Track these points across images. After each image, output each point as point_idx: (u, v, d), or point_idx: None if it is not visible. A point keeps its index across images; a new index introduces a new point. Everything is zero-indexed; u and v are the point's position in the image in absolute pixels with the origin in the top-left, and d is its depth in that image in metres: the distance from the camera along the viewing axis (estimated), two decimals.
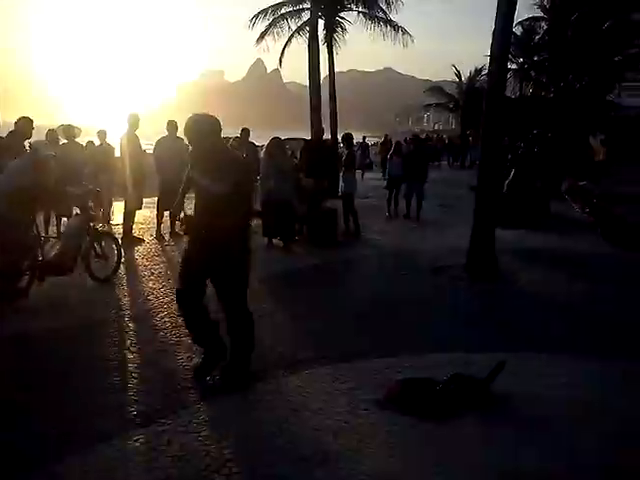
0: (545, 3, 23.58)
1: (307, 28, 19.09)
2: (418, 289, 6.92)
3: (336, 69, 19.90)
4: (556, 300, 6.54)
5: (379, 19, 20.39)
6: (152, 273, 7.38)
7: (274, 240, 9.17)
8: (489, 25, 7.57)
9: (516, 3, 7.54)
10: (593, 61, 19.13)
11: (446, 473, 3.11)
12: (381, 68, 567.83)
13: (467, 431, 3.56)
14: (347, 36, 20.43)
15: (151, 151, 10.11)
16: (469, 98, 32.04)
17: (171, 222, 9.46)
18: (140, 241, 9.18)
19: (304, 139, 18.17)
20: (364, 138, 28.54)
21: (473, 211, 7.76)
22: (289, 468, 3.13)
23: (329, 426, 3.58)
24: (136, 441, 3.41)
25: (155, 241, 9.29)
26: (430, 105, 38.53)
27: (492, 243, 7.68)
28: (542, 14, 24.46)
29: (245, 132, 11.90)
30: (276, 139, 9.59)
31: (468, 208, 8.01)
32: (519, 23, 26.66)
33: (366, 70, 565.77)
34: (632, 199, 15.79)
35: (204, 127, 3.99)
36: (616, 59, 20.97)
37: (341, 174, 10.72)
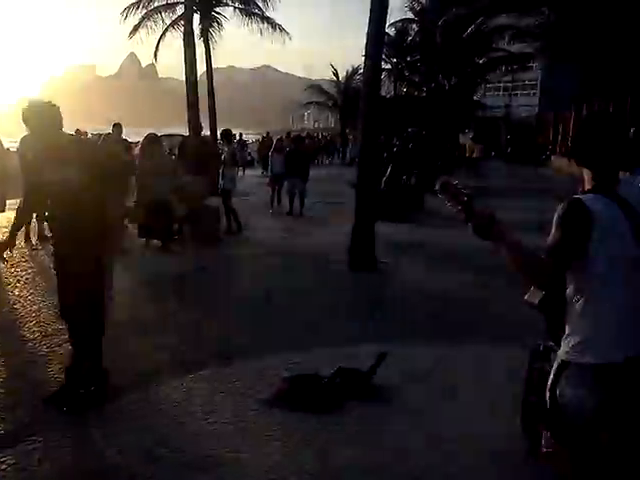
0: (415, 6, 24.69)
1: (182, 22, 18.63)
2: (302, 285, 6.95)
3: (214, 65, 19.62)
4: (432, 289, 6.84)
5: (255, 15, 20.33)
6: (19, 280, 6.85)
7: (154, 241, 8.84)
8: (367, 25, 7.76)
9: (387, 7, 7.78)
10: (459, 63, 20.26)
11: (327, 466, 3.12)
12: (259, 65, 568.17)
13: (349, 422, 3.60)
14: (224, 32, 20.22)
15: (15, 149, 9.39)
16: (347, 97, 32.81)
17: (37, 226, 8.83)
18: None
19: (182, 135, 17.72)
20: (241, 135, 28.35)
21: (354, 207, 7.94)
22: (170, 477, 3.00)
23: (214, 430, 3.49)
24: (2, 463, 3.12)
25: (22, 245, 8.63)
26: (310, 103, 38.98)
27: (372, 237, 7.89)
28: (413, 16, 25.59)
29: (117, 128, 11.31)
30: (152, 135, 9.23)
31: (349, 204, 8.16)
32: (392, 24, 27.73)
33: (244, 67, 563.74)
34: (498, 193, 16.93)
35: (44, 115, 3.57)
36: (480, 61, 22.34)
37: (221, 171, 10.53)
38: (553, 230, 2.17)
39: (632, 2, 20.07)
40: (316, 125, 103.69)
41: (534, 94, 61.88)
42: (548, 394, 2.36)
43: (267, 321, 5.60)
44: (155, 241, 8.86)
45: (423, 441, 3.40)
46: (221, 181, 10.44)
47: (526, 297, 2.66)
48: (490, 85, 50.33)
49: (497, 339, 5.16)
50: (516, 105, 51.51)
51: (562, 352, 2.27)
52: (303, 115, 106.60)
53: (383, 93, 27.98)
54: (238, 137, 26.54)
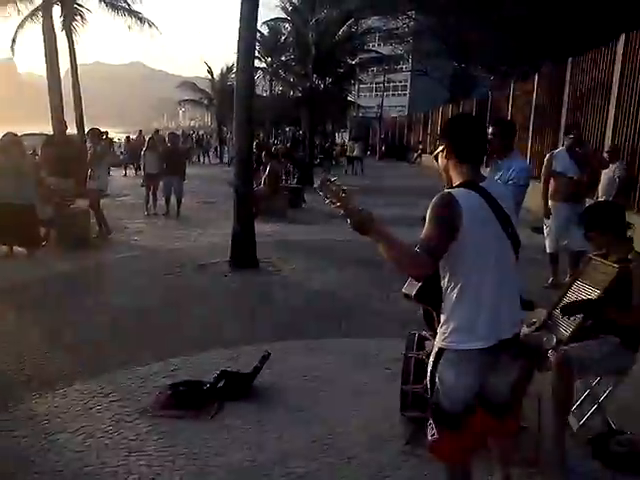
0: (287, 5, 24.84)
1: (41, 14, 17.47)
2: (182, 289, 6.77)
3: (80, 60, 18.58)
4: (314, 286, 6.93)
5: (122, 9, 19.52)
6: None
7: (18, 248, 8.22)
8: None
9: (258, 5, 7.74)
10: (332, 63, 20.67)
11: (209, 472, 3.06)
12: (129, 62, 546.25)
13: (233, 425, 3.55)
14: (89, 26, 19.23)
15: None
16: (223, 95, 32.41)
17: None
18: None
19: (45, 134, 16.60)
20: (106, 133, 27.06)
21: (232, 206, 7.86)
22: None
23: (90, 445, 3.29)
24: None
25: None
26: (185, 101, 38.09)
27: (252, 236, 7.85)
28: (286, 16, 25.74)
29: None
30: (11, 135, 8.51)
31: (229, 204, 8.05)
32: (265, 23, 27.75)
33: (113, 63, 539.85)
34: (377, 190, 17.47)
35: None
36: (352, 62, 22.93)
37: (90, 171, 9.96)
38: (427, 223, 2.26)
39: (488, 9, 21.50)
40: (192, 123, 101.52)
41: (405, 95, 64.73)
42: (428, 381, 2.47)
43: (144, 328, 5.39)
44: (19, 248, 8.24)
45: (305, 438, 3.41)
46: (90, 182, 9.87)
47: (403, 289, 2.76)
48: (364, 86, 51.96)
49: (376, 331, 5.32)
50: (388, 105, 53.59)
51: (439, 340, 2.39)
52: (178, 113, 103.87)
53: (259, 92, 28.00)
54: (106, 136, 25.33)
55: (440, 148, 2.47)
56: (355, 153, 27.32)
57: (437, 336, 2.44)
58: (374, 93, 57.47)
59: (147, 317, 5.68)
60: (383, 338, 5.12)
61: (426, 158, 32.64)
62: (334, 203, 2.25)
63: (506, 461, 2.79)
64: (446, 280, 2.36)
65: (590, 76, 11.24)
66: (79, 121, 17.56)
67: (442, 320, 2.40)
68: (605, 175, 8.68)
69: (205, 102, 36.25)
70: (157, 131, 22.23)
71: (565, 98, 12.62)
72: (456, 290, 2.32)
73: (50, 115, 15.54)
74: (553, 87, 13.65)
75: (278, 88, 24.40)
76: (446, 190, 2.32)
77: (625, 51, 9.59)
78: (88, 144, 10.40)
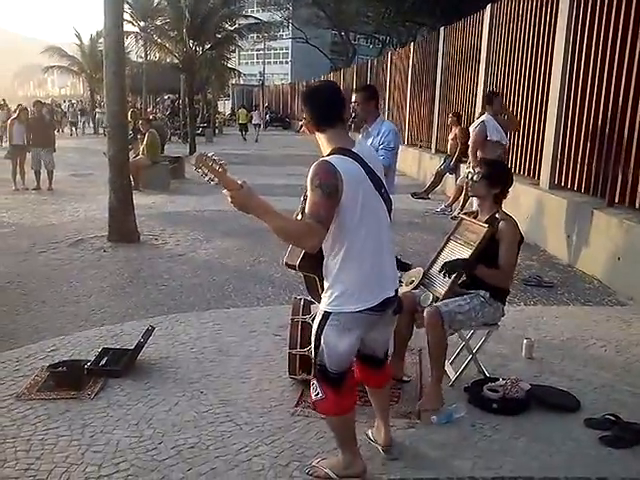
0: None
1: None
2: (58, 266, 6.39)
3: None
4: (197, 258, 6.81)
5: None
6: None
7: None
8: None
9: None
10: (209, 29, 20.05)
11: (92, 449, 2.96)
12: None
13: (117, 403, 3.44)
14: None
15: None
16: (94, 62, 30.52)
17: None
18: None
19: None
20: None
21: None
22: None
23: None
24: None
25: None
26: (52, 67, 35.45)
27: (131, 208, 7.55)
28: None
29: None
30: None
31: (106, 176, 7.66)
32: None
33: None
34: (263, 160, 17.32)
35: None
36: (231, 28, 22.36)
37: None
38: (310, 193, 2.26)
39: None
40: (62, 91, 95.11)
41: (287, 62, 64.38)
42: (313, 343, 2.52)
43: (18, 308, 5.05)
44: None
45: (196, 409, 3.38)
46: None
47: (285, 259, 2.76)
48: (245, 53, 51.09)
49: (265, 300, 5.33)
50: (271, 73, 53.12)
51: (324, 304, 2.44)
52: (46, 80, 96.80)
53: (134, 58, 26.66)
54: None
55: (308, 118, 2.49)
56: (254, 120, 29.21)
57: (322, 300, 2.49)
58: (256, 60, 56.69)
59: (20, 297, 5.33)
60: (271, 306, 5.16)
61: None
62: (212, 179, 2.19)
63: (384, 410, 2.94)
64: (329, 246, 2.39)
65: (461, 44, 11.74)
66: None
67: (326, 286, 2.44)
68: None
69: (75, 69, 33.99)
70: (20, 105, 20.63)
71: (439, 66, 13.12)
72: (340, 254, 2.36)
73: None
74: (428, 55, 14.13)
75: (154, 54, 23.28)
76: (322, 159, 2.34)
77: (491, 21, 10.10)
78: None
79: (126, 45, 20.54)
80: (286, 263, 2.72)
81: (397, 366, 3.57)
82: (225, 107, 47.13)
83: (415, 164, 14.31)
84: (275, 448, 3.00)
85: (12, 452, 2.92)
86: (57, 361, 3.87)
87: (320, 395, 2.53)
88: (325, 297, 2.45)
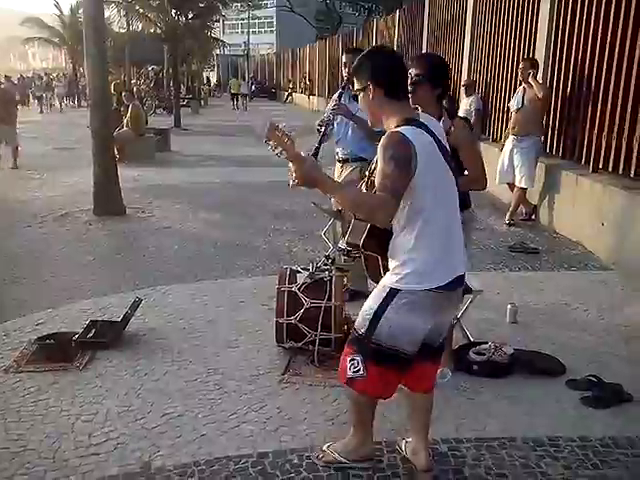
0: None
1: None
2: (43, 240, 6.35)
3: None
4: (185, 231, 6.79)
5: None
6: None
7: None
8: None
9: None
10: None
11: (81, 419, 3.00)
12: None
13: (107, 374, 3.46)
14: None
15: None
16: (75, 33, 29.91)
17: None
18: None
19: None
20: None
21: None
22: None
23: None
24: None
25: None
26: (32, 39, 34.69)
27: (116, 181, 7.49)
28: None
29: None
30: None
31: (90, 149, 7.57)
32: None
33: None
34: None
35: None
36: None
37: None
38: (382, 165, 2.14)
39: None
40: (44, 64, 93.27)
41: (272, 32, 63.38)
42: (367, 319, 2.33)
43: (4, 281, 5.04)
44: None
45: (185, 379, 3.41)
46: None
47: (347, 239, 2.54)
48: (229, 22, 50.17)
49: (252, 270, 5.35)
50: (256, 43, 52.27)
51: (391, 281, 2.29)
52: (27, 53, 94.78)
53: (115, 29, 26.14)
54: None
55: (358, 87, 2.33)
56: (241, 90, 29.45)
57: (388, 278, 2.32)
58: (240, 30, 55.76)
59: (7, 271, 5.31)
60: (259, 277, 5.18)
61: (297, 97, 32.58)
62: (281, 153, 2.13)
63: (426, 427, 2.63)
64: (401, 223, 2.25)
65: (447, 12, 11.62)
66: None
67: (395, 264, 2.29)
68: (462, 107, 9.13)
69: (56, 41, 33.31)
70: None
71: (425, 33, 12.99)
72: (415, 231, 2.23)
73: None
74: (414, 23, 13.98)
75: (136, 25, 22.84)
76: (393, 129, 2.20)
77: None
78: None
79: (107, 16, 20.16)
80: (348, 242, 2.48)
81: None
82: (211, 78, 46.52)
83: None
84: (263, 414, 3.04)
85: (2, 423, 2.95)
86: (45, 334, 3.88)
87: (361, 372, 2.35)
88: (393, 275, 2.29)
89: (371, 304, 2.34)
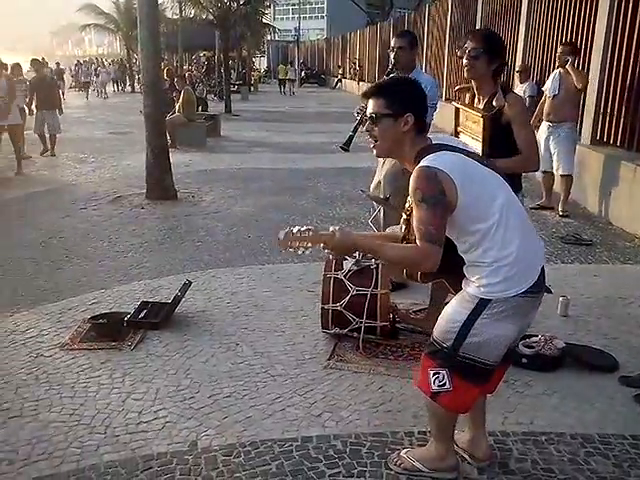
0: None
1: None
2: (98, 222, 6.54)
3: None
4: (234, 215, 6.86)
5: None
6: None
7: None
8: None
9: None
10: None
11: (132, 397, 3.08)
12: None
13: (157, 354, 3.55)
14: None
15: None
16: (129, 19, 30.44)
17: None
18: None
19: None
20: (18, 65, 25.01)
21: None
22: None
23: (8, 382, 3.21)
24: None
25: None
26: (88, 25, 35.47)
27: (168, 166, 7.63)
28: None
29: None
30: None
31: (143, 134, 7.73)
32: None
33: None
34: (308, 117, 17.23)
35: None
36: None
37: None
38: (415, 209, 2.08)
39: None
40: (100, 50, 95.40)
41: (323, 17, 63.17)
42: (454, 332, 2.20)
43: (61, 262, 5.21)
44: None
45: (232, 361, 3.47)
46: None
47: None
48: (280, 8, 50.27)
49: (297, 256, 5.35)
50: (307, 29, 52.20)
51: (477, 291, 2.16)
52: (83, 39, 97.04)
53: (169, 15, 26.50)
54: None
55: (385, 111, 2.16)
56: (289, 76, 30.20)
57: (472, 288, 2.18)
58: (291, 16, 55.74)
59: (63, 252, 5.49)
60: (305, 262, 5.19)
61: (346, 83, 32.42)
62: (306, 248, 2.17)
63: (484, 417, 2.60)
64: (467, 245, 2.16)
65: None
66: None
67: (477, 275, 2.16)
68: None
69: (111, 27, 33.98)
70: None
71: (479, 18, 12.69)
72: (483, 246, 2.12)
73: None
74: (467, 8, 13.67)
75: (189, 11, 23.07)
76: (422, 165, 2.08)
77: None
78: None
79: (160, 2, 20.39)
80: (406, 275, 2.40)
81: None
82: (261, 64, 46.72)
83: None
84: (308, 399, 3.06)
85: (57, 398, 3.06)
86: (98, 313, 4.01)
87: (447, 387, 2.23)
88: (480, 286, 2.15)
89: (455, 317, 2.21)
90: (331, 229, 2.19)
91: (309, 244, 2.16)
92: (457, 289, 2.30)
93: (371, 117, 2.20)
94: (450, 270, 2.21)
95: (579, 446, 2.71)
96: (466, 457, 2.58)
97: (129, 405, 3.01)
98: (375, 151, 2.28)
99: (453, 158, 2.12)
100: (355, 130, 4.22)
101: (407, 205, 2.28)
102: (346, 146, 4.37)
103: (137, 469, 2.53)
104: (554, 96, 6.69)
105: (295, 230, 2.17)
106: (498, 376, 2.48)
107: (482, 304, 2.15)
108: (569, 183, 6.79)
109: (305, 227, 2.18)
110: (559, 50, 6.85)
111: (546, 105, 6.87)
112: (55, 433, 2.77)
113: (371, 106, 2.21)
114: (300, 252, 2.17)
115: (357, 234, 2.20)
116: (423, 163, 2.08)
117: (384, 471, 2.52)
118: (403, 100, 2.17)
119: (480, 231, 2.11)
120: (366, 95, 2.27)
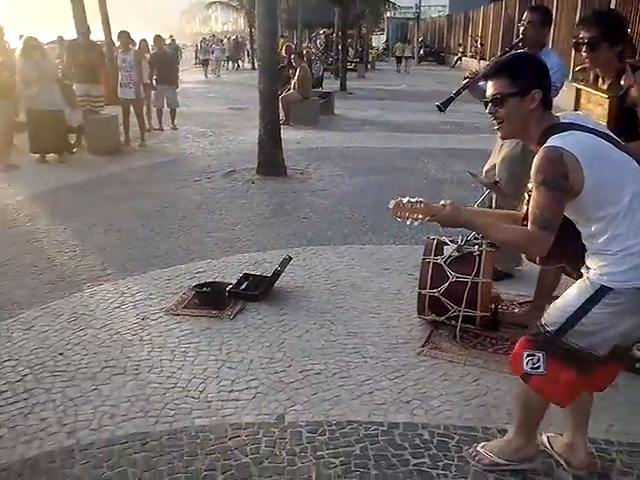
0: None
1: None
2: (210, 195, 6.79)
3: None
4: (342, 193, 6.86)
5: None
6: None
7: (48, 155, 8.32)
8: None
9: None
10: None
11: (227, 365, 3.17)
12: None
13: (254, 325, 3.63)
14: None
15: None
16: None
17: None
18: None
19: (64, 39, 16.11)
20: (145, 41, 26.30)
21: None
22: (72, 390, 2.94)
23: (116, 340, 3.42)
24: None
25: None
26: (214, 3, 36.74)
27: (279, 143, 7.74)
28: None
29: None
30: (30, 39, 8.25)
31: (256, 110, 7.91)
32: None
33: None
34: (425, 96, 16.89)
35: None
36: None
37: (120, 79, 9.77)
38: (534, 190, 1.99)
39: None
40: (225, 27, 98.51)
41: None
42: (565, 316, 2.10)
43: (171, 232, 5.46)
44: (52, 155, 8.36)
45: (326, 338, 3.48)
46: (121, 89, 9.71)
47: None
48: None
49: (399, 238, 5.27)
50: (427, 5, 50.80)
51: (603, 279, 2.02)
52: (210, 17, 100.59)
53: None
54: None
55: (510, 90, 2.04)
56: (405, 53, 30.03)
57: (594, 274, 2.04)
58: None
59: (175, 221, 5.75)
60: (407, 245, 5.10)
61: (466, 61, 31.32)
62: (415, 219, 2.15)
63: (586, 421, 2.44)
64: (594, 226, 2.02)
65: None
66: (106, 25, 17.03)
67: (604, 262, 2.02)
68: None
69: (235, 4, 34.97)
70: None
71: None
72: (613, 232, 1.99)
73: (73, 19, 14.90)
74: None
75: None
76: (548, 144, 1.97)
77: None
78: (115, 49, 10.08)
79: None
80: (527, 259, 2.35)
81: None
82: (379, 41, 46.18)
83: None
84: (398, 384, 3.01)
85: (158, 360, 3.22)
86: (202, 282, 4.16)
87: (540, 370, 2.12)
88: (602, 274, 2.02)
89: (571, 301, 2.09)
90: (442, 202, 2.16)
91: (419, 215, 2.15)
92: (579, 276, 2.17)
93: (495, 99, 2.08)
94: (572, 256, 2.14)
95: None
96: (562, 462, 2.42)
97: (223, 373, 3.11)
98: (500, 133, 2.19)
99: (582, 138, 1.99)
100: (458, 93, 4.04)
101: (530, 185, 2.17)
102: (443, 106, 4.18)
103: (225, 436, 2.60)
104: None
105: (405, 200, 2.17)
106: (611, 374, 2.32)
107: (602, 292, 2.02)
108: None
109: (416, 198, 2.17)
110: None
111: None
112: (152, 393, 2.92)
113: (493, 87, 2.10)
114: (408, 222, 2.17)
115: (470, 209, 2.19)
116: (549, 143, 1.97)
117: (472, 468, 2.43)
118: (527, 76, 2.06)
119: (608, 216, 1.98)
120: (486, 76, 2.17)
